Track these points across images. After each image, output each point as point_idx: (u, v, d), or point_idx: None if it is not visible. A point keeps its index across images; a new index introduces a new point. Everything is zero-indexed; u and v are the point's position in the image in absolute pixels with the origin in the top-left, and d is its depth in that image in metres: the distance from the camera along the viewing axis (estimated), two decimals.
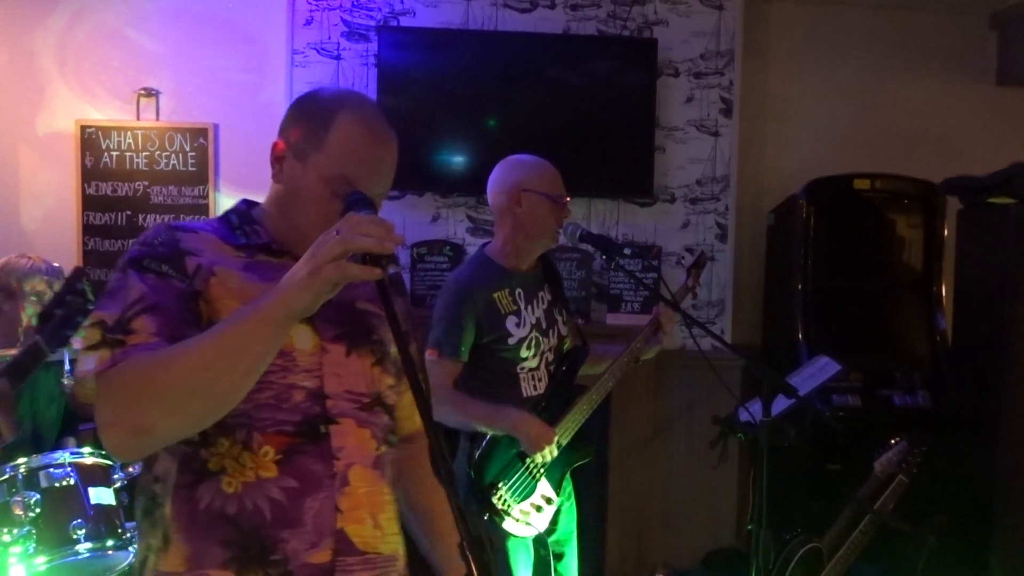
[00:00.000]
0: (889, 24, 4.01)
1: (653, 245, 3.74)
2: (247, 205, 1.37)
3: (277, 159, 1.31)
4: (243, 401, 1.16)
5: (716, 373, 2.29)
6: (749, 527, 2.42)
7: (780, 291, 3.79)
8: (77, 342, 1.19)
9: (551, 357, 2.34)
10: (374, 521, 1.29)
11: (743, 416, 2.44)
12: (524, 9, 3.72)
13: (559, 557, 2.39)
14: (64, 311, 1.39)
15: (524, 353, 2.25)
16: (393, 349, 1.33)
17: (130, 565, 2.14)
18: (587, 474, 3.67)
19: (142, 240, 1.26)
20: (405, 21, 3.69)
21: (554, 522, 2.34)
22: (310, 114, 1.30)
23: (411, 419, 1.41)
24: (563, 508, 2.38)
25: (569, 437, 2.28)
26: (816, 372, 2.48)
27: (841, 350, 3.47)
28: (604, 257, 2.39)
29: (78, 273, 1.37)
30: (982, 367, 3.16)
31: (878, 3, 3.99)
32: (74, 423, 2.50)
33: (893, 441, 3.02)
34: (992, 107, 4.08)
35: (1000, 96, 4.10)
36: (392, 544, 1.32)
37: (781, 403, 2.31)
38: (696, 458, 3.73)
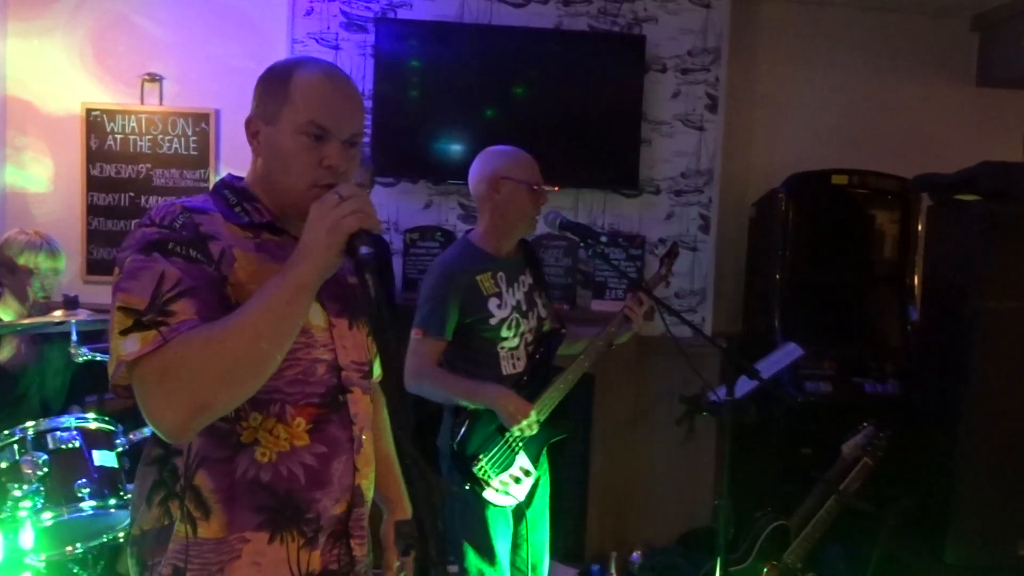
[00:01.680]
0: (874, 25, 4.12)
1: (637, 235, 3.86)
2: (235, 180, 1.41)
3: (253, 134, 1.37)
4: (273, 378, 1.24)
5: (686, 356, 2.41)
6: (717, 502, 2.55)
7: (760, 281, 3.92)
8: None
9: (530, 338, 2.45)
10: (371, 474, 1.44)
11: (713, 397, 2.57)
12: (518, 4, 3.83)
13: (532, 528, 2.49)
14: None
15: (505, 333, 2.37)
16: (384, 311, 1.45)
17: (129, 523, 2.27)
18: (569, 455, 3.83)
19: (158, 222, 1.27)
20: (402, 13, 3.80)
21: (531, 494, 2.46)
22: (270, 80, 1.36)
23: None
24: (539, 481, 2.50)
25: (546, 414, 2.39)
26: (782, 356, 2.62)
27: (816, 339, 3.63)
28: (582, 244, 2.51)
29: None
30: (946, 358, 3.29)
31: (863, 4, 4.10)
32: (80, 393, 2.62)
33: (862, 426, 3.17)
34: (972, 107, 4.20)
35: (980, 97, 4.21)
36: (372, 491, 1.47)
37: (747, 385, 2.45)
38: (675, 441, 3.87)
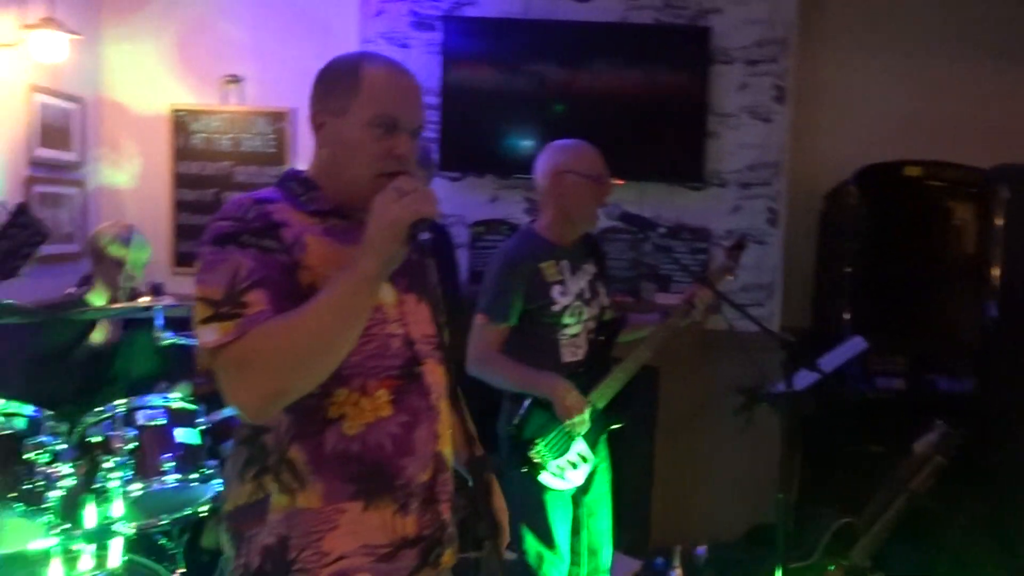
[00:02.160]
0: (947, 10, 3.99)
1: (702, 228, 3.85)
2: (298, 172, 1.47)
3: (318, 128, 1.43)
4: (354, 354, 1.31)
5: (745, 348, 2.41)
6: (778, 496, 2.54)
7: (829, 275, 3.86)
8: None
9: (592, 326, 2.48)
10: (450, 441, 1.50)
11: (772, 389, 2.56)
12: None
13: (592, 515, 2.54)
14: (8, 244, 1.47)
15: (567, 320, 2.41)
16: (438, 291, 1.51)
17: (211, 498, 2.42)
18: (634, 448, 3.85)
19: (231, 216, 1.33)
20: (469, 11, 3.88)
21: (589, 482, 2.50)
22: (336, 76, 1.42)
23: None
24: (599, 469, 2.53)
25: (605, 402, 2.43)
26: (846, 350, 2.59)
27: (888, 334, 3.57)
28: (641, 236, 2.54)
29: (21, 209, 1.47)
30: (1021, 354, 3.18)
31: None
32: (170, 377, 2.78)
33: (934, 424, 3.10)
34: None
35: None
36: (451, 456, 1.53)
37: (808, 378, 2.44)
38: (742, 435, 3.84)
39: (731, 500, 3.94)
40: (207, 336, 1.26)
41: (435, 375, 1.45)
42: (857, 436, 3.56)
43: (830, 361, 2.50)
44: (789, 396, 2.23)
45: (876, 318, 3.59)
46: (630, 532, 3.88)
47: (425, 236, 1.25)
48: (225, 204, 1.37)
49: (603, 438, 2.54)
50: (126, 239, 3.03)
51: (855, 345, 2.56)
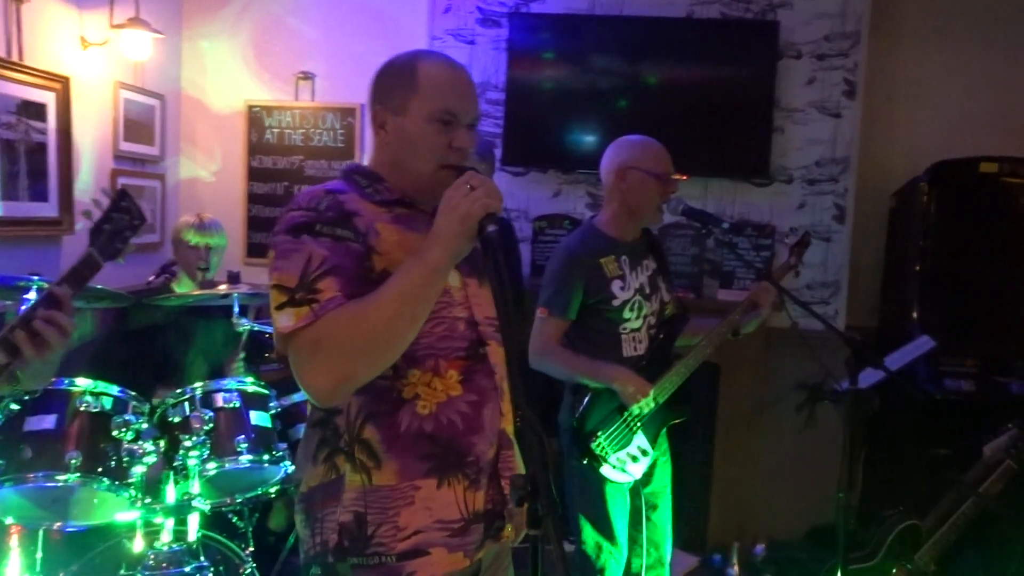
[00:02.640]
0: (1021, 3, 3.86)
1: (767, 225, 3.81)
2: (359, 166, 1.54)
3: (380, 125, 1.48)
4: (424, 336, 1.37)
5: (807, 344, 2.40)
6: (840, 494, 2.52)
7: (898, 274, 3.78)
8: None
9: (653, 321, 2.50)
10: (512, 419, 1.54)
11: (836, 387, 2.54)
12: None
13: (653, 508, 2.57)
14: (111, 227, 1.53)
15: (627, 315, 2.43)
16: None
17: (282, 477, 2.52)
18: (693, 444, 3.86)
19: (305, 206, 1.39)
20: (535, 7, 3.92)
21: (649, 475, 2.53)
22: (394, 76, 1.48)
23: None
24: (659, 462, 2.56)
25: (665, 396, 2.45)
26: (912, 349, 2.55)
27: (958, 334, 3.48)
28: (704, 231, 2.54)
29: (122, 194, 1.54)
30: None
31: None
32: (249, 362, 2.89)
33: (1006, 427, 3.02)
34: None
35: None
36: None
37: (872, 376, 2.41)
38: (804, 435, 3.80)
39: (792, 499, 3.90)
40: (283, 321, 1.32)
41: (498, 356, 1.50)
42: (924, 438, 3.49)
43: (896, 360, 2.46)
44: (853, 394, 2.21)
45: (946, 318, 3.50)
46: (688, 528, 3.89)
47: (493, 229, 1.31)
48: (297, 195, 1.43)
49: (663, 433, 2.56)
50: (202, 227, 3.18)
51: (922, 344, 2.52)
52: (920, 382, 3.37)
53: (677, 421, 2.55)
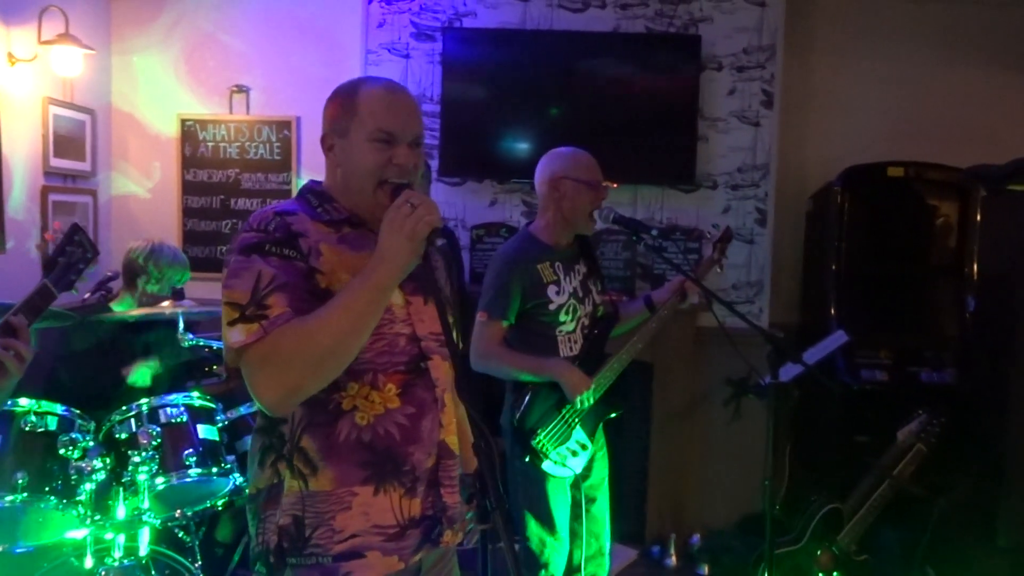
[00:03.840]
0: (931, 15, 4.13)
1: (695, 229, 4.00)
2: (316, 184, 1.61)
3: (328, 148, 1.57)
4: (365, 351, 1.44)
5: (732, 342, 2.55)
6: (766, 482, 2.68)
7: (816, 273, 4.01)
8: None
9: (586, 322, 2.63)
10: (456, 429, 1.62)
11: (759, 381, 2.70)
12: (577, 9, 4.01)
13: (592, 500, 2.67)
14: (65, 259, 1.64)
15: (563, 318, 2.55)
16: (447, 290, 1.67)
17: (231, 489, 2.56)
18: (630, 440, 4.01)
19: (255, 228, 1.47)
20: (468, 22, 4.02)
21: (588, 469, 2.64)
22: (339, 101, 1.56)
23: None
24: (596, 456, 2.67)
25: (601, 392, 2.57)
26: (829, 343, 2.73)
27: (873, 329, 3.71)
28: (634, 238, 2.68)
29: (75, 229, 1.66)
30: (997, 345, 3.33)
31: None
32: (198, 376, 2.91)
33: (917, 413, 3.25)
34: None
35: None
36: (458, 443, 1.65)
37: (793, 370, 2.58)
38: (734, 428, 3.99)
39: (724, 490, 4.09)
40: (235, 337, 1.39)
41: (440, 370, 1.58)
42: (844, 426, 3.71)
43: (814, 354, 2.64)
44: (774, 388, 2.37)
45: (861, 313, 3.73)
46: (627, 522, 4.03)
47: (442, 241, 1.41)
48: (250, 217, 1.51)
49: (600, 428, 2.68)
50: (155, 251, 3.12)
51: (837, 339, 2.71)
52: (839, 374, 3.58)
53: (612, 416, 2.68)
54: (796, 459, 4.05)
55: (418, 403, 1.53)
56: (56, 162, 3.85)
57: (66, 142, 3.91)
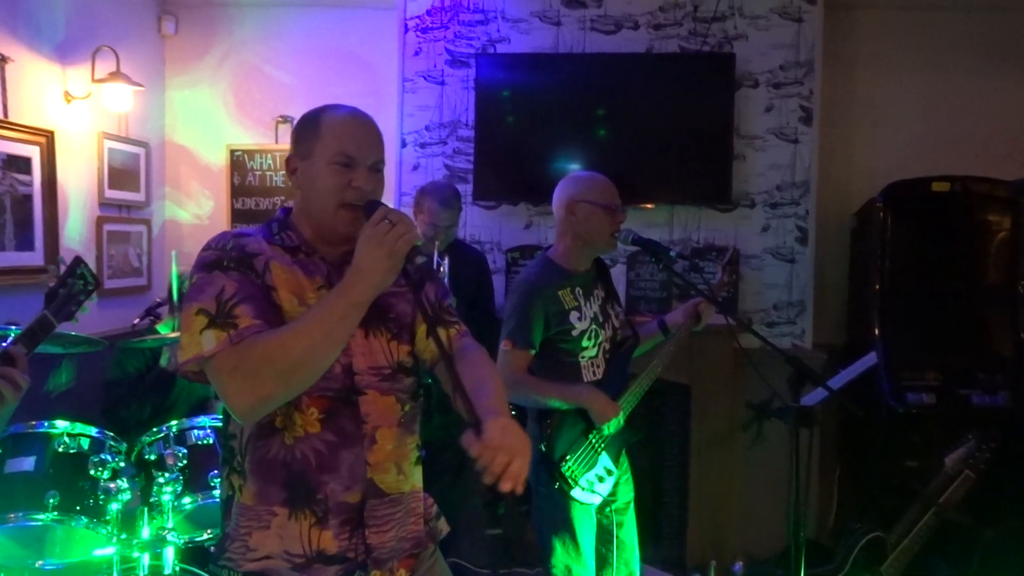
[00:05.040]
0: (973, 27, 4.01)
1: (732, 248, 3.93)
2: (285, 213, 1.65)
3: (292, 171, 1.60)
4: None
5: (753, 364, 2.50)
6: (790, 509, 2.59)
7: (861, 292, 3.89)
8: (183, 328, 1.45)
9: (608, 347, 2.61)
10: (399, 469, 1.59)
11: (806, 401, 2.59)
12: (609, 31, 4.02)
13: (620, 526, 2.66)
14: (66, 291, 1.69)
15: (585, 343, 2.53)
16: (413, 321, 1.64)
17: None
18: (669, 465, 3.94)
19: (214, 247, 1.52)
20: (501, 48, 4.07)
21: (613, 493, 2.62)
22: (303, 126, 1.61)
23: (429, 348, 1.64)
24: (621, 480, 2.65)
25: (625, 416, 2.54)
26: (858, 366, 2.64)
27: (920, 349, 3.58)
28: (652, 259, 2.65)
29: (77, 261, 1.72)
30: None
31: (963, 5, 3.99)
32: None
33: (965, 438, 3.11)
34: None
35: None
36: (412, 481, 1.64)
37: (819, 394, 2.51)
38: (776, 452, 3.87)
39: (768, 516, 3.96)
40: (205, 343, 1.41)
41: (375, 405, 1.56)
42: (893, 451, 3.58)
43: (842, 377, 2.55)
44: (796, 412, 2.31)
45: (907, 333, 3.60)
46: (668, 547, 3.97)
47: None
48: (210, 239, 1.56)
49: (624, 452, 2.65)
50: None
51: (866, 361, 2.62)
52: (883, 396, 3.46)
53: (636, 439, 2.66)
54: (844, 484, 3.91)
55: (340, 433, 1.52)
56: (111, 193, 4.03)
57: (121, 174, 4.10)
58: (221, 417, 1.60)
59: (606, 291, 2.67)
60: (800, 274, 3.94)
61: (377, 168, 1.58)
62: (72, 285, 1.69)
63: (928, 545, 3.04)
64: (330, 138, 1.55)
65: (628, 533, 2.68)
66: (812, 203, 3.93)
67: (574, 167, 3.81)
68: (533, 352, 2.51)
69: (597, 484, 2.52)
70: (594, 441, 2.52)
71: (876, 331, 3.62)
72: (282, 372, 1.39)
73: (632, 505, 2.70)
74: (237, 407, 1.43)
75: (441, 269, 3.25)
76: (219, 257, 1.50)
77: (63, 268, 1.71)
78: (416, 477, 1.67)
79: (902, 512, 3.13)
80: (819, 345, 3.95)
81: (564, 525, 2.52)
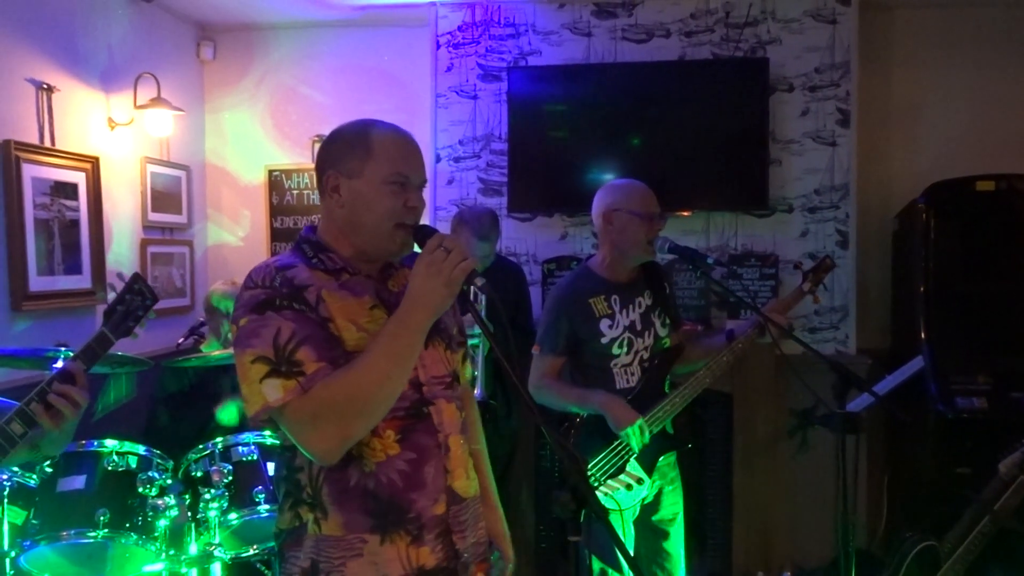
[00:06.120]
0: (1012, 21, 3.93)
1: (771, 254, 3.88)
2: (312, 230, 1.61)
3: (333, 189, 1.55)
4: None
5: (795, 371, 2.46)
6: (838, 518, 2.54)
7: (905, 295, 3.81)
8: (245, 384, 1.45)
9: (646, 355, 2.60)
10: (466, 474, 1.62)
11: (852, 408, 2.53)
12: (641, 40, 4.01)
13: (665, 536, 2.63)
14: (124, 307, 1.70)
15: (616, 351, 2.54)
16: (454, 330, 1.68)
17: None
18: (712, 474, 3.89)
19: (260, 283, 1.46)
20: (533, 60, 4.09)
21: (656, 503, 2.59)
22: (347, 143, 1.56)
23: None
24: (665, 491, 2.61)
25: (659, 427, 2.51)
26: (904, 370, 2.58)
27: (969, 353, 3.50)
28: (689, 267, 2.63)
29: (136, 278, 1.71)
30: None
31: (999, 1, 3.91)
32: None
33: (1020, 443, 3.02)
34: None
35: None
36: (475, 486, 1.67)
37: (864, 400, 2.46)
38: (823, 460, 3.80)
39: (815, 526, 3.89)
40: (271, 395, 1.40)
41: (445, 414, 1.58)
42: (943, 458, 3.49)
43: (888, 383, 2.50)
44: (841, 418, 2.27)
45: (954, 336, 3.52)
46: (714, 558, 3.91)
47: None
48: (250, 273, 1.50)
49: (669, 462, 2.62)
50: (233, 294, 3.34)
51: (913, 365, 2.56)
52: (930, 401, 3.38)
53: (678, 450, 2.62)
54: (893, 492, 3.83)
55: (419, 449, 1.54)
56: (154, 216, 4.13)
57: (163, 197, 4.20)
58: (279, 444, 1.59)
59: (655, 299, 2.65)
60: (842, 279, 3.88)
61: (423, 186, 1.60)
62: (130, 301, 1.71)
63: (984, 553, 2.95)
64: (384, 158, 1.53)
65: (674, 545, 2.65)
66: (852, 206, 3.87)
67: (608, 177, 3.79)
68: (561, 356, 2.55)
69: (623, 491, 2.49)
70: (618, 447, 2.49)
71: (922, 335, 3.55)
72: (362, 410, 1.42)
73: (680, 516, 2.67)
74: (319, 451, 1.44)
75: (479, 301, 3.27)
76: (270, 296, 1.46)
77: (120, 287, 1.73)
78: (477, 481, 1.69)
79: (954, 520, 3.04)
80: (863, 350, 3.88)
81: (598, 533, 2.49)
